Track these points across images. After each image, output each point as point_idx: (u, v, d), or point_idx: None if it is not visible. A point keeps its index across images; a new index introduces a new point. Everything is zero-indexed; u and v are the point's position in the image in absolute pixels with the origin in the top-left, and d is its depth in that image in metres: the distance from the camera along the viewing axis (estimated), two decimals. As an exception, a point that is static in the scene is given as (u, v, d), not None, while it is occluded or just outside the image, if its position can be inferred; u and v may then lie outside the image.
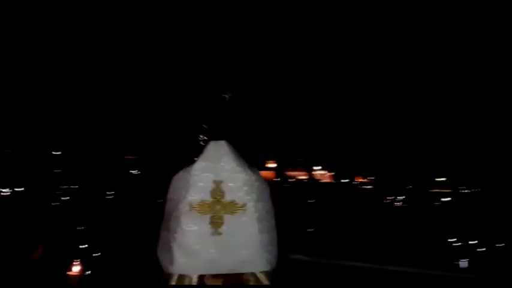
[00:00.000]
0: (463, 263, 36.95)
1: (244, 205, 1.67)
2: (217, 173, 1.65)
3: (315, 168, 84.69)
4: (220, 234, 1.65)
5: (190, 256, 1.59)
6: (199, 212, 1.65)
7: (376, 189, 66.40)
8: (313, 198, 59.06)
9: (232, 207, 1.67)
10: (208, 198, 1.67)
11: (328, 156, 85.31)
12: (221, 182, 1.68)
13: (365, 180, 73.92)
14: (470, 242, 41.21)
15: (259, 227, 1.64)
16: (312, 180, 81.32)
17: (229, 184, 1.68)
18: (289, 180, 79.56)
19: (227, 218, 1.67)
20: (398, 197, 60.76)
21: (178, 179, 1.73)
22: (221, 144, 1.73)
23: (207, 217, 1.66)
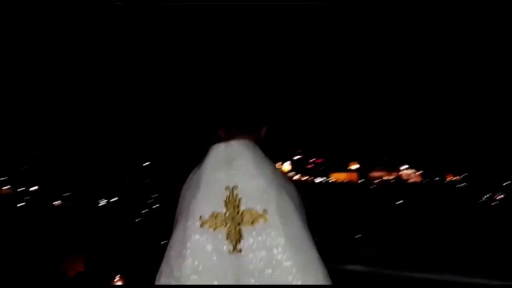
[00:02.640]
0: None
1: (265, 212, 1.36)
2: (230, 177, 1.36)
3: (401, 167, 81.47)
4: (240, 251, 1.35)
5: (206, 282, 1.31)
6: (212, 227, 1.36)
7: (470, 187, 62.19)
8: (401, 199, 56.67)
9: (251, 216, 1.36)
10: (221, 208, 1.36)
11: (415, 154, 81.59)
12: (235, 187, 1.38)
13: (456, 178, 69.75)
14: None
15: (288, 239, 1.32)
16: (399, 180, 78.24)
17: (245, 189, 1.38)
18: (374, 181, 77.30)
19: (247, 230, 1.34)
20: (496, 195, 56.38)
21: (186, 188, 1.44)
22: (232, 144, 1.44)
23: (223, 232, 1.34)
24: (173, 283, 1.35)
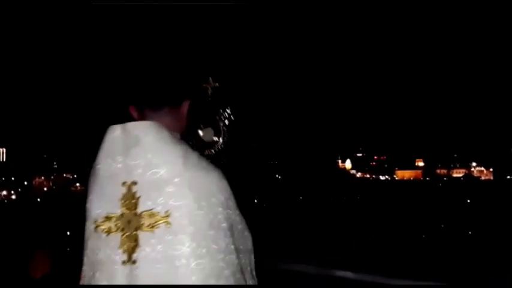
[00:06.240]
0: None
1: (167, 215, 1.08)
2: (127, 170, 1.10)
3: (472, 164, 77.50)
4: (134, 262, 1.09)
5: None
6: (105, 232, 1.12)
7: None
8: (471, 199, 53.84)
9: (151, 219, 1.09)
10: (116, 209, 1.11)
11: (487, 150, 77.42)
12: (134, 183, 1.11)
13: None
14: None
15: (195, 248, 1.05)
16: (469, 178, 74.51)
17: (145, 185, 1.11)
18: (442, 178, 74.14)
19: (145, 237, 1.07)
20: None
21: (89, 181, 1.25)
22: (129, 127, 1.16)
23: (117, 238, 1.10)
24: None
